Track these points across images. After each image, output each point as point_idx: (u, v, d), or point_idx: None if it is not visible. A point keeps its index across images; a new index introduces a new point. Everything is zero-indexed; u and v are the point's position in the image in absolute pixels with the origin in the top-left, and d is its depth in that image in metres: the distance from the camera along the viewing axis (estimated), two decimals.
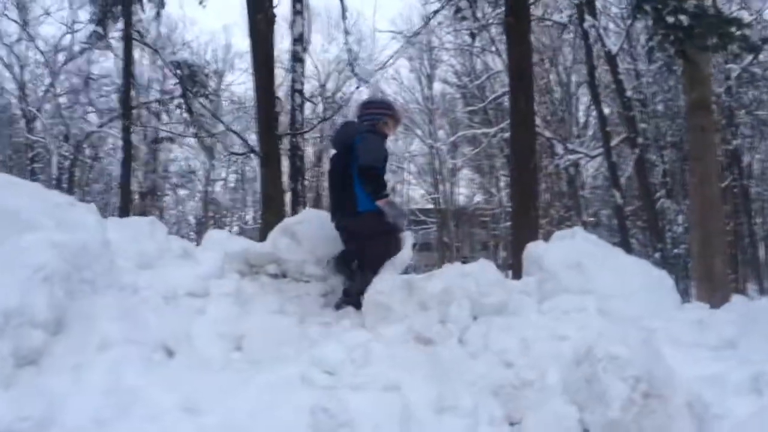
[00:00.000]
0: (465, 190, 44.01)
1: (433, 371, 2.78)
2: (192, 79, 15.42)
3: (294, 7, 14.37)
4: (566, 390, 3.60)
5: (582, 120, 30.07)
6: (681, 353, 3.98)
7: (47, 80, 34.48)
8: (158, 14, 17.00)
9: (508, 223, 34.11)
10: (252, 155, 13.74)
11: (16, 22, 35.41)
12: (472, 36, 17.27)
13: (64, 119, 33.04)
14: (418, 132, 40.59)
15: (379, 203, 4.05)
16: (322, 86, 34.42)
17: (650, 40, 10.11)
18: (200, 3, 16.17)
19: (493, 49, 26.10)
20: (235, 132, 14.34)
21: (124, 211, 13.91)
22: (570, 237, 5.13)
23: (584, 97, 26.78)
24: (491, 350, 4.01)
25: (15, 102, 37.38)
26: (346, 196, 4.18)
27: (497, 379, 3.79)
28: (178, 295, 3.48)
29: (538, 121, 25.38)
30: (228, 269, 4.07)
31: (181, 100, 16.00)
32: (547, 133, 25.15)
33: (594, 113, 27.04)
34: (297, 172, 13.68)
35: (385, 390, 2.42)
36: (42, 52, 35.72)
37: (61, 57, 33.48)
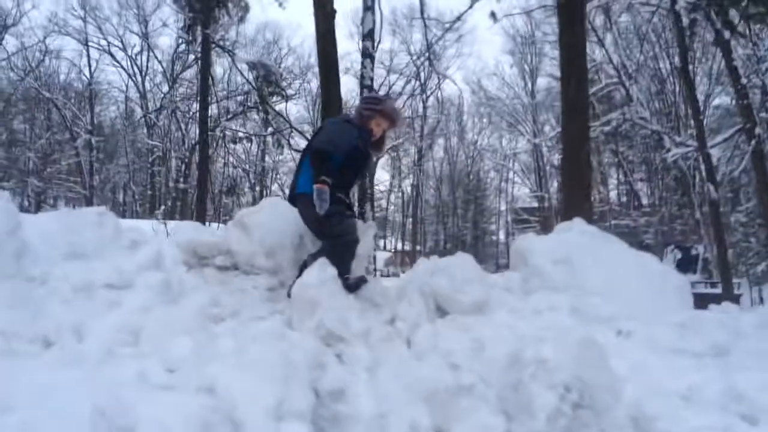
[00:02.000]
0: None
1: (289, 373, 2.49)
2: (267, 79, 15.77)
3: (365, 2, 14.31)
4: (498, 398, 3.21)
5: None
6: (658, 359, 3.46)
7: (165, 88, 36.80)
8: (242, 19, 17.67)
9: (615, 221, 32.49)
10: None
11: (137, 35, 38.16)
12: None
13: (180, 124, 35.10)
14: (521, 129, 39.50)
15: (315, 185, 3.91)
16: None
17: None
18: (280, 5, 16.57)
19: (595, 39, 24.77)
20: (298, 130, 14.50)
21: (202, 207, 14.44)
22: (565, 230, 4.63)
23: (701, 87, 24.60)
24: (439, 352, 3.67)
25: (138, 109, 40.23)
26: (294, 180, 4.31)
27: (433, 384, 3.46)
28: (95, 286, 3.42)
29: (646, 113, 23.83)
30: (170, 260, 3.99)
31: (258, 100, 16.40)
32: (654, 125, 23.53)
33: (713, 102, 24.97)
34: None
35: (197, 392, 2.19)
36: (160, 62, 38.25)
37: (178, 65, 35.62)
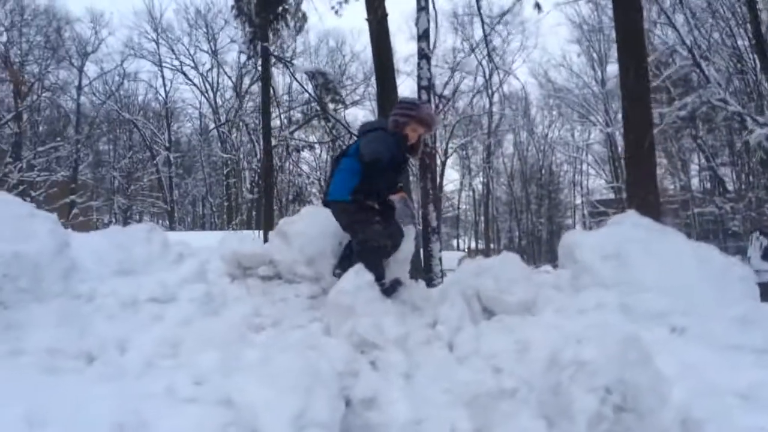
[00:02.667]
0: None
1: (313, 383, 2.49)
2: (325, 87, 15.99)
3: (419, 3, 14.31)
4: (538, 402, 3.10)
5: None
6: (714, 357, 3.25)
7: (236, 102, 37.94)
8: (300, 29, 18.00)
9: (697, 210, 30.97)
10: None
11: (207, 52, 39.53)
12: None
13: (250, 136, 36.07)
14: (593, 119, 38.34)
15: (392, 197, 4.11)
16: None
17: None
18: (336, 13, 16.77)
19: (662, 20, 23.78)
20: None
21: (268, 216, 14.73)
22: (617, 223, 4.42)
23: None
24: (481, 354, 3.60)
25: (212, 125, 41.62)
26: (327, 185, 4.39)
27: (474, 388, 3.39)
28: (140, 301, 3.54)
29: (725, 94, 22.59)
30: (213, 272, 4.09)
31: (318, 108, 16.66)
32: (734, 106, 22.28)
33: None
34: (426, 169, 13.55)
35: (217, 405, 2.22)
36: (229, 77, 39.49)
37: (246, 79, 36.66)
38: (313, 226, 4.22)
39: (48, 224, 3.45)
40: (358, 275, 3.59)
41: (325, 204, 4.27)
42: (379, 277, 3.92)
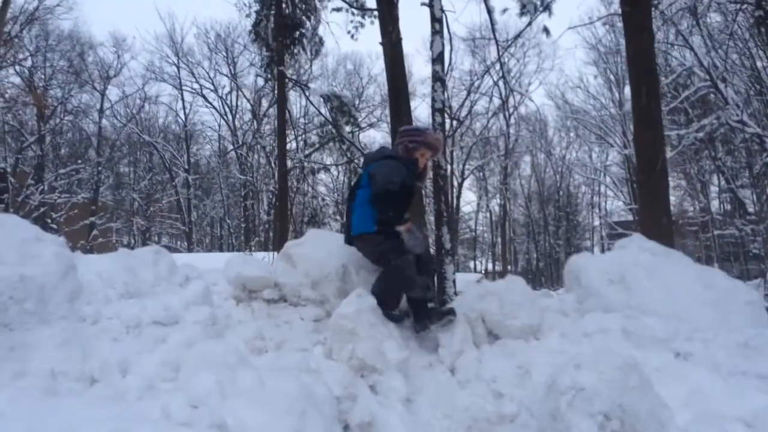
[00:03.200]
0: (671, 198, 39.89)
1: (307, 406, 2.50)
2: (340, 109, 16.09)
3: (433, 26, 14.40)
4: (539, 428, 3.08)
5: None
6: (719, 383, 3.21)
7: (254, 125, 38.34)
8: (317, 53, 18.28)
9: (717, 232, 30.53)
10: None
11: (226, 76, 40.10)
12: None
13: (269, 159, 36.34)
14: (611, 140, 38.17)
15: (399, 228, 4.05)
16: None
17: None
18: (352, 37, 16.99)
19: (680, 40, 23.70)
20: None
21: (283, 238, 14.78)
22: (622, 247, 4.39)
23: None
24: (482, 379, 3.58)
25: (230, 147, 42.09)
26: (348, 220, 4.30)
27: (474, 413, 3.38)
28: (143, 324, 3.57)
29: (743, 116, 22.39)
30: (219, 295, 4.12)
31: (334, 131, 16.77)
32: (753, 128, 22.07)
33: None
34: (439, 191, 13.56)
35: (209, 428, 2.23)
36: (248, 100, 39.98)
37: (264, 102, 37.07)
38: (318, 249, 4.26)
39: (54, 247, 3.51)
40: (361, 299, 3.60)
41: (350, 241, 4.18)
42: (393, 305, 3.94)
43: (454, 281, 12.67)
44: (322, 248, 4.23)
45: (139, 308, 3.69)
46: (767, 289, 11.87)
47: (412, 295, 4.11)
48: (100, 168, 35.37)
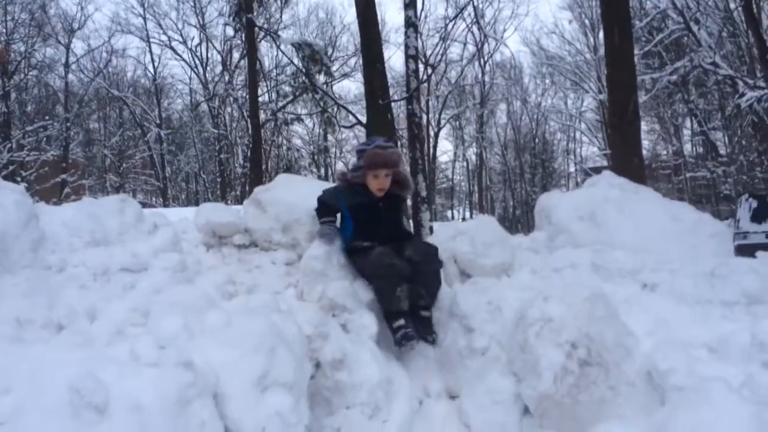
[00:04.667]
0: (645, 142, 40.19)
1: (276, 344, 2.50)
2: (313, 58, 15.79)
3: None
4: (508, 359, 3.13)
5: None
6: (685, 312, 3.28)
7: (225, 77, 37.53)
8: (287, 2, 17.87)
9: (690, 174, 30.95)
10: (360, 126, 13.75)
11: (195, 27, 38.99)
12: None
13: (242, 111, 35.76)
14: (586, 86, 38.11)
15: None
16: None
17: None
18: None
19: None
20: (344, 107, 14.50)
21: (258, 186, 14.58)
22: (592, 185, 4.42)
23: None
24: (454, 315, 3.61)
25: (202, 100, 41.24)
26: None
27: (446, 348, 3.43)
28: (111, 271, 3.53)
29: (716, 58, 22.42)
30: (189, 242, 4.08)
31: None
32: (725, 70, 22.12)
33: None
34: (414, 139, 13.48)
35: (176, 367, 2.22)
36: (218, 51, 39.02)
37: (236, 54, 36.20)
38: (287, 194, 4.21)
39: (14, 196, 3.41)
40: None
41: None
42: (393, 305, 3.42)
43: (431, 228, 12.73)
44: (292, 192, 4.19)
45: (107, 256, 3.64)
46: (737, 228, 12.03)
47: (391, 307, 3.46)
48: (68, 124, 34.53)
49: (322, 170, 37.75)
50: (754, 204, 14.88)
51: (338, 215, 3.96)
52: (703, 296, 3.31)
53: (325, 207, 3.93)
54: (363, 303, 3.32)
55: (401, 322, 3.39)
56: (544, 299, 2.97)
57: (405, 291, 3.44)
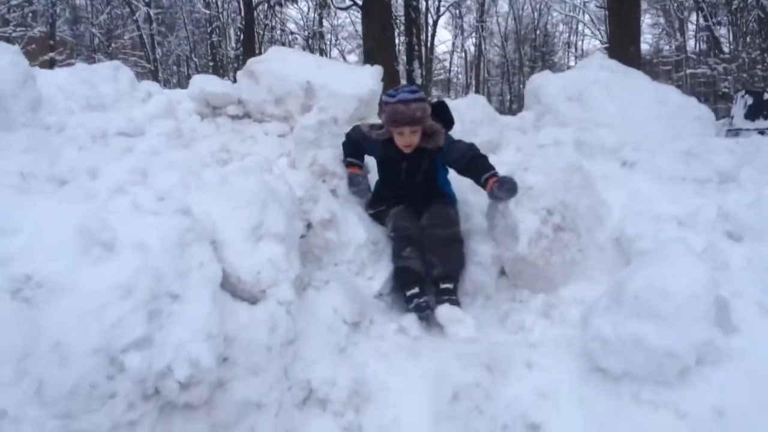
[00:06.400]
0: (648, 37, 39.21)
1: (268, 199, 2.65)
2: None
3: None
4: (489, 226, 3.33)
5: None
6: (659, 188, 3.45)
7: None
8: None
9: (690, 71, 30.47)
10: (355, 7, 13.35)
11: None
12: None
13: None
14: None
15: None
16: None
17: None
18: None
19: None
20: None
21: None
22: (583, 66, 4.45)
23: None
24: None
25: None
26: None
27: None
28: (109, 134, 3.62)
29: None
30: (183, 112, 4.15)
31: None
32: None
33: None
34: (411, 24, 13.19)
35: (175, 214, 2.38)
36: None
37: None
38: (280, 66, 4.24)
39: (10, 55, 3.44)
40: (323, 112, 3.66)
41: None
42: (397, 261, 3.28)
43: None
44: (285, 65, 4.22)
45: (104, 120, 3.72)
46: (730, 125, 12.20)
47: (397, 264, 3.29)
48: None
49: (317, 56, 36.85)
50: (750, 100, 14.89)
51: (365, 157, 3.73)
52: (678, 174, 3.47)
53: (350, 144, 3.63)
54: None
55: (415, 290, 3.16)
56: (525, 169, 3.12)
57: (415, 253, 3.25)
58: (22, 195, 2.90)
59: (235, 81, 4.44)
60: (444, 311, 2.96)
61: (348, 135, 3.68)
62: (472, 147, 3.52)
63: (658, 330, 2.18)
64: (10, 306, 2.09)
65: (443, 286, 3.17)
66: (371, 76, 4.28)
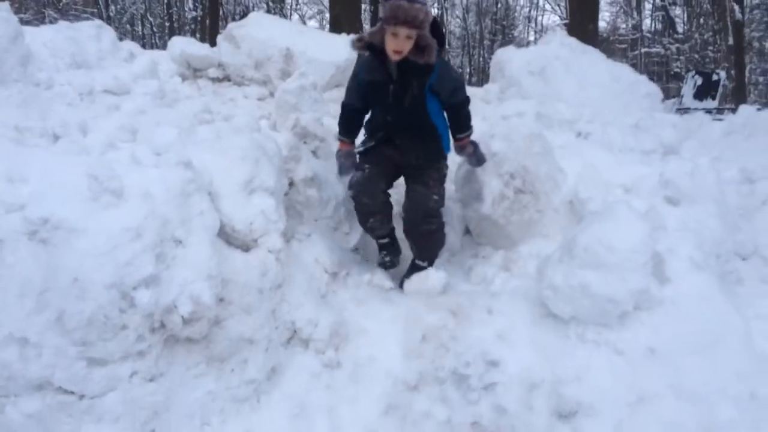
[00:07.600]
0: (606, 14, 39.87)
1: (260, 156, 2.88)
2: None
3: None
4: (456, 189, 3.62)
5: None
6: (610, 157, 3.80)
7: None
8: None
9: (645, 50, 31.30)
10: None
11: None
12: None
13: None
14: None
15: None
16: None
17: None
18: None
19: None
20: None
21: (213, 35, 14.24)
22: (546, 42, 4.77)
23: None
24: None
25: None
26: None
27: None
28: (95, 92, 3.77)
29: None
30: (164, 73, 4.29)
31: None
32: None
33: None
34: None
35: (176, 166, 2.59)
36: None
37: None
38: (261, 31, 4.41)
39: (1, 13, 3.54)
40: (303, 77, 3.87)
41: None
42: (377, 232, 3.34)
43: None
44: (266, 30, 4.39)
45: (89, 78, 3.86)
46: (680, 104, 12.77)
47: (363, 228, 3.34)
48: None
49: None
50: (699, 81, 15.54)
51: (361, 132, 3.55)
52: (627, 145, 3.82)
53: (345, 118, 3.49)
54: (331, 133, 3.69)
55: (384, 240, 3.35)
56: (490, 137, 3.41)
57: (378, 221, 3.27)
58: (21, 147, 3.05)
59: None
60: (412, 286, 3.21)
61: (343, 105, 3.49)
62: (456, 91, 3.22)
63: (602, 279, 2.53)
64: (28, 246, 2.29)
65: (419, 263, 3.31)
66: (348, 45, 4.48)
